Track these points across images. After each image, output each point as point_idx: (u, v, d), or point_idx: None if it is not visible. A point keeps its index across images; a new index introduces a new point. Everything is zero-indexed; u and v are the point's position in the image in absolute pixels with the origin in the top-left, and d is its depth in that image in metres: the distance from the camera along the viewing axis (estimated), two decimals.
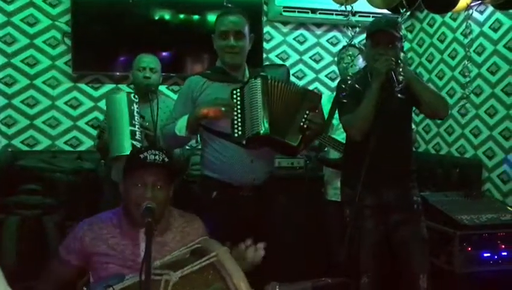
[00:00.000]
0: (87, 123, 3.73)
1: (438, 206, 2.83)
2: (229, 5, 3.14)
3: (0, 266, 1.21)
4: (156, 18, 3.73)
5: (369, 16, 3.42)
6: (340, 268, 2.10)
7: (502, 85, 3.28)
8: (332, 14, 3.85)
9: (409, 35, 4.25)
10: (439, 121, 3.86)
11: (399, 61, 2.19)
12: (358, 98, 2.26)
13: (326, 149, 3.17)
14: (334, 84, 4.11)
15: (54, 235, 3.17)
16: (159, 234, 1.75)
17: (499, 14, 3.27)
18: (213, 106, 2.14)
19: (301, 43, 4.19)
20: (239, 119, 2.15)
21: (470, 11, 2.55)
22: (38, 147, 3.64)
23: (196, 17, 3.79)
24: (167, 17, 3.74)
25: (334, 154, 3.07)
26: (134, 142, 2.29)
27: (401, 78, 2.16)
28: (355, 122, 2.27)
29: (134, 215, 1.70)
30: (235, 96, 2.17)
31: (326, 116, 3.13)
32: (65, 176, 3.35)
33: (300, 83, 4.01)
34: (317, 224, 3.32)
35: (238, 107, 2.15)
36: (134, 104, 2.38)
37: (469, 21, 2.56)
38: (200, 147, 3.31)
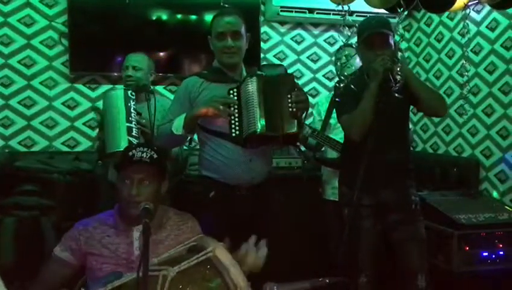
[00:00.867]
0: (84, 124, 3.72)
1: (435, 206, 2.83)
2: (226, 5, 3.15)
3: None
4: (153, 18, 3.72)
5: (366, 16, 3.41)
6: (338, 268, 2.10)
7: (499, 84, 3.28)
8: (329, 13, 3.85)
9: (407, 35, 4.26)
10: (436, 121, 3.87)
11: (396, 59, 2.19)
12: (355, 98, 2.26)
13: (323, 149, 3.17)
14: (331, 84, 4.11)
15: (51, 236, 3.16)
16: (153, 232, 1.75)
17: (495, 14, 3.28)
18: (210, 105, 2.15)
19: (299, 43, 4.19)
20: (236, 118, 2.15)
21: (467, 11, 2.55)
22: (36, 148, 3.63)
23: (193, 17, 3.79)
24: (164, 17, 3.74)
25: (332, 154, 3.07)
26: (131, 139, 2.30)
27: (398, 77, 2.16)
28: (354, 122, 2.27)
29: (126, 211, 1.74)
30: (231, 95, 2.18)
31: (323, 115, 3.14)
32: (62, 176, 3.34)
33: (298, 82, 4.01)
34: (315, 224, 3.32)
35: (235, 106, 2.16)
36: (131, 101, 2.38)
37: (466, 20, 2.56)
38: (198, 147, 3.33)
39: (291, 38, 4.17)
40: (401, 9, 2.39)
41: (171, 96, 3.83)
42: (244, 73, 2.34)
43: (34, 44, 3.60)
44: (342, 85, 2.32)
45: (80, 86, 3.72)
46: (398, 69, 2.17)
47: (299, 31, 4.18)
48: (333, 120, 3.02)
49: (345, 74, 2.53)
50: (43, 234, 3.17)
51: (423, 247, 2.35)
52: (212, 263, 1.43)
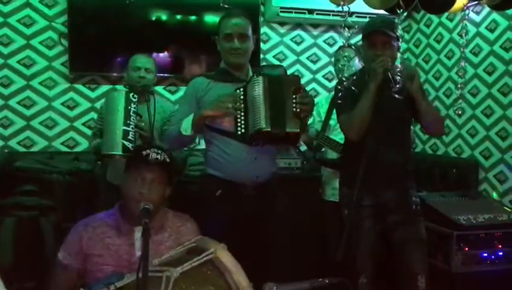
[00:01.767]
0: (84, 124, 3.72)
1: (435, 207, 2.83)
2: (226, 6, 3.15)
3: None
4: (153, 19, 3.72)
5: (366, 17, 3.41)
6: (337, 268, 2.10)
7: (499, 85, 3.29)
8: (329, 14, 3.85)
9: (406, 36, 4.26)
10: None
11: (398, 64, 2.20)
12: (355, 98, 2.26)
13: (323, 149, 3.17)
14: (331, 84, 4.11)
15: (51, 236, 3.16)
16: (154, 233, 1.77)
17: (495, 15, 3.28)
18: (216, 104, 2.19)
19: (298, 43, 4.19)
20: (242, 117, 2.19)
21: (467, 12, 2.56)
22: (35, 148, 3.63)
23: (193, 17, 3.78)
24: (164, 17, 3.74)
25: (332, 155, 3.07)
26: (126, 143, 2.31)
27: (398, 78, 2.17)
28: (353, 122, 2.27)
29: (132, 209, 1.74)
30: (238, 94, 2.21)
31: (323, 116, 3.15)
32: (62, 177, 3.34)
33: None
34: (314, 224, 3.32)
35: (241, 105, 2.19)
36: (132, 104, 2.38)
37: (465, 22, 2.57)
38: (197, 147, 3.33)
39: (291, 39, 4.17)
40: (401, 10, 2.39)
41: (171, 97, 3.85)
42: (251, 73, 2.37)
43: (34, 44, 3.60)
44: (344, 84, 2.32)
45: (80, 86, 3.72)
46: (398, 70, 2.17)
47: (298, 31, 4.19)
48: (333, 121, 3.02)
49: (346, 74, 2.53)
50: (42, 234, 3.17)
51: (423, 248, 2.34)
52: (214, 264, 1.44)
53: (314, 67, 4.22)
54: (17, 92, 3.59)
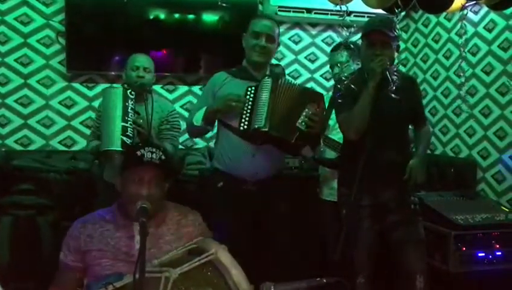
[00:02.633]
0: (81, 123, 3.72)
1: (432, 206, 2.83)
2: (224, 5, 3.17)
3: None
4: (151, 17, 3.71)
5: (364, 16, 3.41)
6: (335, 268, 2.10)
7: (497, 85, 3.29)
8: (327, 14, 3.85)
9: (404, 36, 4.26)
10: (433, 121, 3.87)
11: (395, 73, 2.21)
12: (354, 98, 2.26)
13: (322, 149, 3.16)
14: (329, 84, 4.11)
15: (48, 235, 3.15)
16: (154, 227, 1.78)
17: (493, 15, 3.28)
18: (226, 100, 2.31)
19: (296, 42, 4.19)
20: (248, 114, 2.30)
21: (465, 12, 2.55)
22: (32, 147, 3.61)
23: (191, 16, 3.77)
24: (162, 16, 3.73)
25: (330, 154, 3.07)
26: (125, 138, 2.31)
27: (395, 77, 2.17)
28: (351, 121, 2.28)
29: (130, 210, 1.73)
30: (249, 92, 2.33)
31: None
32: (59, 175, 3.34)
33: (296, 82, 4.01)
34: (312, 224, 3.31)
35: (250, 103, 2.31)
36: (130, 101, 2.39)
37: (464, 21, 2.57)
38: (195, 147, 3.38)
39: (289, 38, 4.17)
40: (399, 9, 2.39)
41: (169, 96, 3.84)
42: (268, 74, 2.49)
43: (31, 42, 3.59)
44: (344, 83, 2.32)
45: (77, 85, 3.71)
46: (395, 69, 2.18)
47: (296, 31, 4.18)
48: (331, 120, 3.01)
49: (345, 74, 2.54)
50: (39, 233, 3.16)
51: (422, 248, 2.35)
52: (214, 265, 1.43)
53: (312, 66, 4.22)
54: (15, 91, 3.57)
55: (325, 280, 1.47)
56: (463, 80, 3.06)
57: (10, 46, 3.55)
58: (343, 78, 2.36)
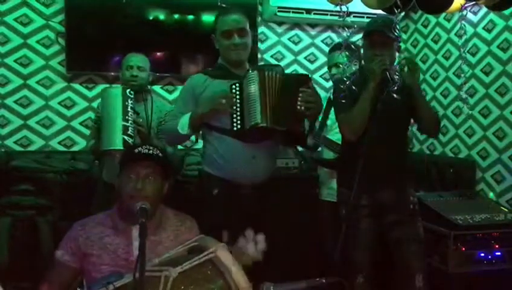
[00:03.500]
0: (81, 123, 3.71)
1: (432, 207, 2.84)
2: (224, 5, 3.15)
3: None
4: (150, 18, 3.71)
5: (364, 17, 3.43)
6: (334, 268, 2.10)
7: (496, 86, 3.29)
8: (327, 14, 3.85)
9: (404, 36, 4.26)
10: None
11: (401, 64, 2.20)
12: (354, 98, 2.26)
13: (320, 149, 3.17)
14: (328, 84, 4.11)
15: (47, 236, 3.16)
16: (152, 232, 1.77)
17: (492, 15, 3.29)
18: (212, 101, 2.18)
19: (296, 43, 4.19)
20: (238, 113, 2.17)
21: (464, 12, 2.56)
22: (32, 148, 3.61)
23: (190, 17, 3.78)
24: (161, 17, 3.73)
25: (328, 155, 3.07)
26: (126, 138, 2.31)
27: (396, 78, 2.17)
28: (350, 121, 2.28)
29: (128, 208, 1.72)
30: (234, 90, 2.19)
31: (320, 116, 3.14)
32: (59, 176, 3.34)
33: None
34: (311, 224, 3.31)
35: (237, 100, 2.17)
36: (129, 100, 2.38)
37: (463, 22, 2.57)
38: (195, 147, 3.33)
39: (289, 39, 4.17)
40: (398, 10, 2.39)
41: (168, 96, 3.84)
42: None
43: (31, 43, 3.59)
44: (346, 83, 2.32)
45: (77, 86, 3.71)
46: (397, 69, 2.18)
47: (296, 31, 4.18)
48: (330, 121, 3.02)
49: (347, 74, 2.54)
50: (39, 233, 3.17)
51: (421, 247, 2.35)
52: (214, 264, 1.43)
53: (311, 67, 4.22)
54: (14, 91, 3.57)
55: (324, 280, 1.47)
56: (463, 80, 3.06)
57: (10, 46, 3.55)
58: (345, 78, 2.36)
